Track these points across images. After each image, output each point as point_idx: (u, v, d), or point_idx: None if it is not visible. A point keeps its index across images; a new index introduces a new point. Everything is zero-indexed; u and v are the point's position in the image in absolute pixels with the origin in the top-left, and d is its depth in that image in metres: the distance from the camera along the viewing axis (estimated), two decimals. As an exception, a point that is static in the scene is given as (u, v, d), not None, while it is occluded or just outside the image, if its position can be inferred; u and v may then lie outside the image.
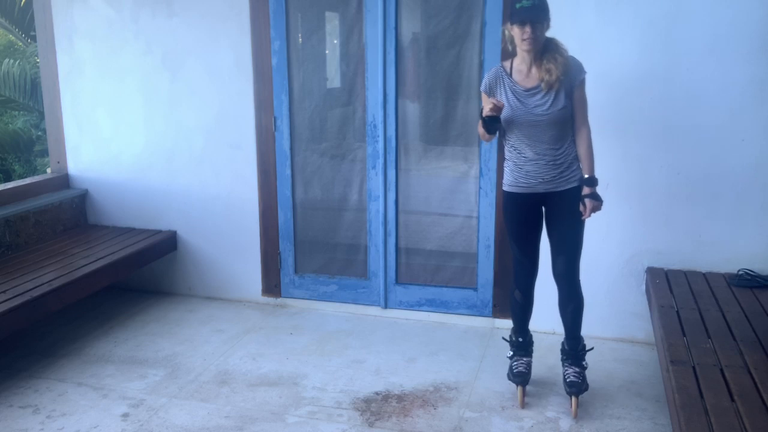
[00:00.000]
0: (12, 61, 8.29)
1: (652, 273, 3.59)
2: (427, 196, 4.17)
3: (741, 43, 3.37)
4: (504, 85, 2.94)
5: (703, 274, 3.57)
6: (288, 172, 4.23)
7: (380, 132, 4.00)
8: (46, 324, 4.07)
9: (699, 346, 2.71)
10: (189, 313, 4.31)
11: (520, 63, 2.93)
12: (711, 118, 3.48)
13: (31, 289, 3.44)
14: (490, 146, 3.83)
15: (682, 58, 3.46)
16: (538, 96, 2.88)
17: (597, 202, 2.95)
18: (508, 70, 2.96)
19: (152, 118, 4.40)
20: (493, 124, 2.87)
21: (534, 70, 2.89)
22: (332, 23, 4.21)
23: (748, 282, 3.40)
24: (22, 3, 8.37)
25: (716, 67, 3.42)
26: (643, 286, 3.68)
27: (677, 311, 3.09)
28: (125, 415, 3.09)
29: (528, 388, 3.21)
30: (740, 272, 3.48)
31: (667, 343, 2.75)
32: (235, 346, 3.81)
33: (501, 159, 3.81)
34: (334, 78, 4.25)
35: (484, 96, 3.03)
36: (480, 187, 3.91)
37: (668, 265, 3.66)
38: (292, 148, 4.20)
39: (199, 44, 4.20)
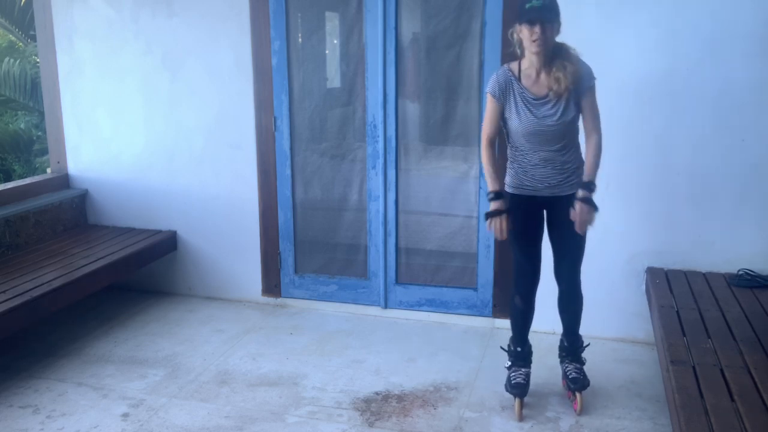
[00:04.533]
0: (12, 60, 8.29)
1: (652, 273, 3.59)
2: (427, 196, 4.17)
3: (741, 44, 3.37)
4: (514, 92, 2.83)
5: (703, 274, 3.57)
6: (288, 172, 4.23)
7: (380, 132, 4.00)
8: (46, 324, 4.06)
9: (699, 346, 2.71)
10: (189, 313, 4.31)
11: (528, 67, 2.83)
12: (711, 118, 3.48)
13: (31, 289, 3.44)
14: (490, 146, 3.83)
15: (682, 58, 3.46)
16: (548, 105, 2.79)
17: (590, 207, 2.83)
18: (516, 73, 2.85)
19: (152, 118, 4.40)
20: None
21: (543, 75, 2.80)
22: (332, 23, 4.21)
23: (748, 282, 3.40)
24: (22, 3, 8.36)
25: (716, 67, 3.42)
26: (643, 286, 3.68)
27: (677, 311, 3.09)
28: (125, 415, 3.09)
29: (526, 399, 3.11)
30: (740, 272, 3.48)
31: (667, 343, 2.75)
32: (235, 346, 3.81)
33: (501, 159, 3.82)
34: (334, 78, 4.26)
35: (489, 99, 2.89)
36: (480, 187, 3.91)
37: (668, 265, 3.66)
38: (292, 148, 4.20)
39: (199, 44, 4.20)
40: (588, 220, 2.86)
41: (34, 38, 7.38)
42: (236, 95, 4.20)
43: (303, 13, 4.13)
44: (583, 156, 2.95)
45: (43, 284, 3.52)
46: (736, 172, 3.50)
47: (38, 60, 4.85)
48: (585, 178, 2.87)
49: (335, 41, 4.21)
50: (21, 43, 9.00)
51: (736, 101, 3.43)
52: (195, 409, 3.15)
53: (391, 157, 4.03)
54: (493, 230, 2.95)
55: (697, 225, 3.60)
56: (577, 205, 2.84)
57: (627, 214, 3.65)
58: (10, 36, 9.06)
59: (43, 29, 4.51)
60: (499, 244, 3.92)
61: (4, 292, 3.40)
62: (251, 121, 4.21)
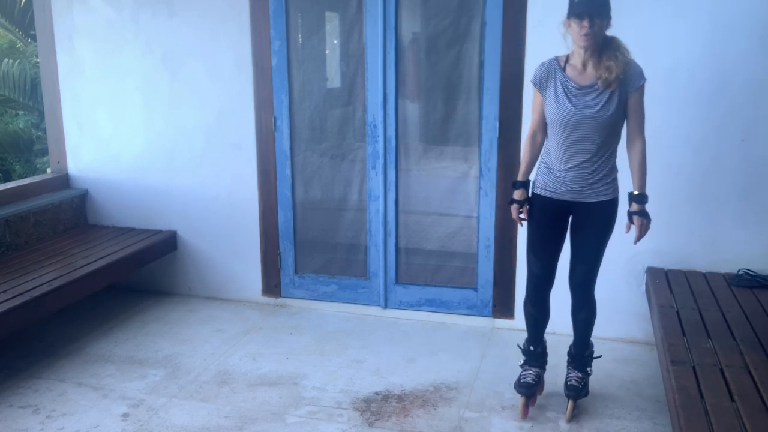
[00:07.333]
0: (12, 61, 8.29)
1: (652, 273, 3.59)
2: (427, 196, 4.17)
3: (741, 43, 3.38)
4: (556, 79, 2.78)
5: (703, 274, 3.57)
6: (288, 172, 4.23)
7: (380, 132, 4.00)
8: (46, 324, 4.06)
9: (699, 346, 2.71)
10: (189, 313, 4.31)
11: (575, 59, 2.77)
12: (711, 118, 3.48)
13: (31, 289, 3.44)
14: (490, 146, 3.83)
15: (682, 58, 3.46)
16: (591, 96, 2.72)
17: (646, 220, 2.83)
18: (561, 64, 2.80)
19: (152, 118, 4.40)
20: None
21: (590, 68, 2.73)
22: (332, 23, 4.21)
23: (748, 282, 3.40)
24: (22, 3, 8.36)
25: (716, 67, 3.42)
26: (643, 286, 3.68)
27: (677, 311, 3.09)
28: (125, 415, 3.09)
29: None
30: (740, 272, 3.48)
31: (667, 343, 2.75)
32: (235, 346, 3.81)
33: (501, 159, 3.83)
34: (334, 78, 4.26)
35: (533, 88, 2.88)
36: (480, 187, 3.91)
37: (668, 265, 3.66)
38: (292, 148, 4.20)
39: (199, 44, 4.20)
40: (645, 233, 2.87)
41: (34, 38, 7.38)
42: (236, 95, 4.20)
43: (303, 13, 4.13)
44: (617, 164, 2.86)
45: (43, 284, 3.52)
46: (736, 172, 3.50)
47: (38, 60, 4.85)
48: (636, 190, 2.84)
49: (335, 41, 4.21)
50: (21, 43, 9.00)
51: (736, 101, 3.43)
52: (195, 409, 3.15)
53: (391, 157, 4.03)
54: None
55: (697, 225, 3.60)
56: (635, 220, 2.84)
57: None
58: (10, 36, 9.06)
59: (43, 29, 4.51)
60: (499, 244, 3.93)
61: (4, 292, 3.40)
62: (251, 121, 4.21)
